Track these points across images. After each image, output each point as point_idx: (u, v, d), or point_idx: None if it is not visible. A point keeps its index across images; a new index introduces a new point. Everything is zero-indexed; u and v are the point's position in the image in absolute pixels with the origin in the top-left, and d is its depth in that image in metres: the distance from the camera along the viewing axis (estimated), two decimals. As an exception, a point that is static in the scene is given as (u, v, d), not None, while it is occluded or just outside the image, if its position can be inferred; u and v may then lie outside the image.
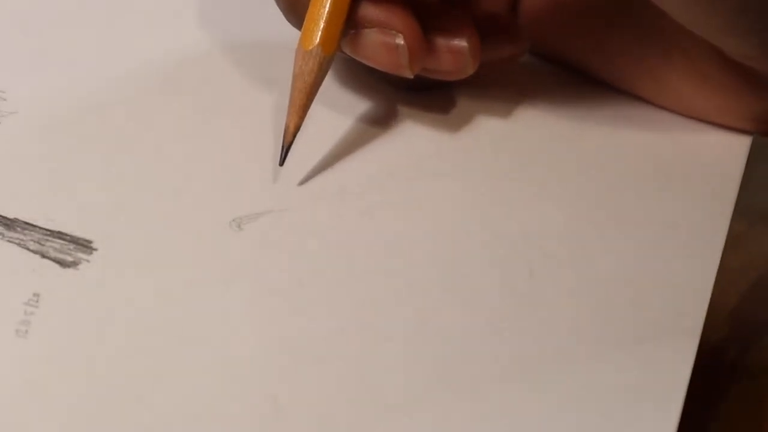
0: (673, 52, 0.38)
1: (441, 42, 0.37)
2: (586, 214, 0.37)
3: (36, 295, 0.34)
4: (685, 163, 0.39)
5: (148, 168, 0.37)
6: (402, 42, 0.36)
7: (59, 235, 0.35)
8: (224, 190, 0.37)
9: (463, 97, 0.40)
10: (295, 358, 0.33)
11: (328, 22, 0.36)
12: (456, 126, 0.39)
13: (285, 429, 0.32)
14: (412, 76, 0.37)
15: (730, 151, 0.39)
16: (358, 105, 0.39)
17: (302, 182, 0.37)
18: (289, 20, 0.38)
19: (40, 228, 0.35)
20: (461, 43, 0.37)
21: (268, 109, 0.39)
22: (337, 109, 0.39)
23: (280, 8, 0.38)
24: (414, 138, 0.39)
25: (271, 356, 0.33)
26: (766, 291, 0.46)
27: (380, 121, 0.39)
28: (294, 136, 0.37)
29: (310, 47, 0.36)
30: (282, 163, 0.37)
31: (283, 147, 0.37)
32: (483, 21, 0.39)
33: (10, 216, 0.35)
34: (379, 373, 0.33)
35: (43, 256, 0.35)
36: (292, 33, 0.37)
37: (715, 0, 0.34)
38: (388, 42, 0.36)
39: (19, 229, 0.35)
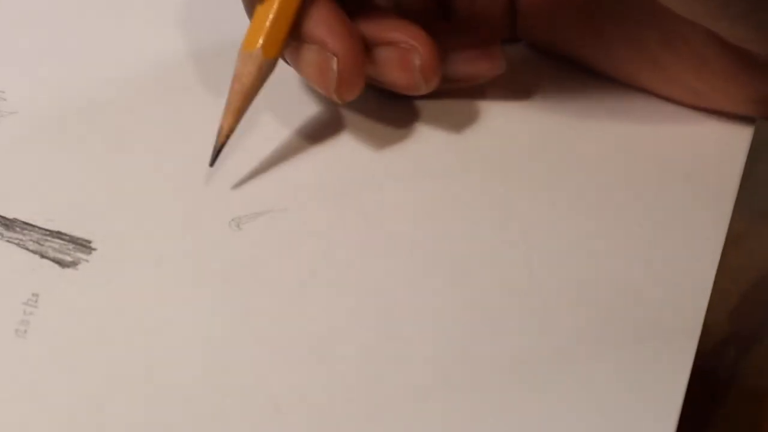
0: (672, 38, 0.38)
1: (390, 56, 0.37)
2: (585, 213, 0.37)
3: (35, 295, 0.34)
4: (684, 162, 0.39)
5: (148, 168, 0.37)
6: (335, 67, 0.36)
7: (58, 235, 0.35)
8: (225, 190, 0.37)
9: (460, 95, 0.40)
10: (294, 358, 0.33)
11: (271, 27, 0.36)
12: (455, 125, 0.39)
13: (285, 428, 0.32)
14: (340, 103, 0.37)
15: (730, 150, 0.39)
16: (358, 106, 0.39)
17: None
18: (249, 18, 0.37)
19: (40, 228, 0.35)
20: (411, 58, 0.36)
21: (271, 109, 0.39)
22: (333, 111, 0.39)
23: (243, 5, 0.37)
24: (413, 138, 0.39)
25: (271, 356, 0.33)
26: (766, 291, 0.46)
27: (379, 123, 0.39)
28: (227, 137, 0.37)
29: (251, 50, 0.36)
30: (212, 164, 0.37)
31: (215, 148, 0.37)
32: (462, 34, 0.39)
33: (9, 216, 0.35)
34: (379, 374, 0.33)
35: (43, 256, 0.35)
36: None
37: None
38: (321, 63, 0.36)
39: (18, 229, 0.35)
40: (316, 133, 0.38)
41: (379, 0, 0.38)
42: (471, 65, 0.39)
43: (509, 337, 0.34)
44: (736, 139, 0.40)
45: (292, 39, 0.36)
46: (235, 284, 0.35)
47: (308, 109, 0.39)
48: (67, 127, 0.38)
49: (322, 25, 0.36)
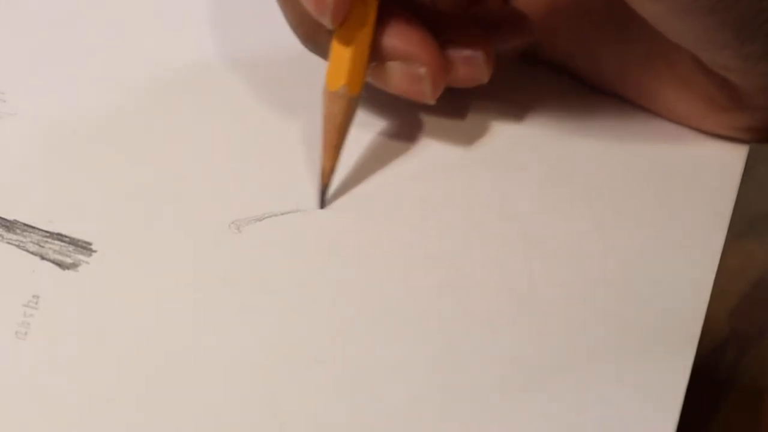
0: (655, 57, 0.38)
1: (456, 55, 0.37)
2: (585, 214, 0.37)
3: (35, 296, 0.34)
4: (684, 163, 0.39)
5: (148, 170, 0.37)
6: (424, 73, 0.36)
7: (59, 236, 0.35)
8: (224, 193, 0.37)
9: (462, 100, 0.40)
10: (294, 361, 0.33)
11: (352, 62, 0.36)
12: (455, 129, 0.39)
13: (284, 430, 0.32)
14: (433, 103, 0.37)
15: (730, 151, 0.39)
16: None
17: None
18: (307, 48, 0.37)
19: (40, 230, 0.35)
20: (476, 53, 0.37)
21: (270, 111, 0.39)
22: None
23: (297, 36, 0.37)
24: (411, 142, 0.39)
25: (271, 358, 0.33)
26: (766, 291, 0.46)
27: (378, 126, 0.39)
28: (330, 177, 0.37)
29: (337, 89, 0.36)
30: (323, 206, 0.37)
31: (320, 189, 0.37)
32: (492, 14, 0.39)
33: (10, 218, 0.35)
34: (379, 375, 0.33)
35: (43, 257, 0.35)
36: (294, 38, 0.37)
37: (693, 15, 0.34)
38: (411, 73, 0.36)
39: (18, 230, 0.35)
40: (315, 135, 0.38)
41: None
42: (507, 41, 0.39)
43: (508, 338, 0.34)
44: (736, 142, 0.40)
45: (371, 60, 0.36)
46: (236, 287, 0.34)
47: (307, 111, 0.39)
48: (67, 128, 0.38)
49: (401, 39, 0.36)
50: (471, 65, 0.37)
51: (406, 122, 0.39)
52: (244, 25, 0.41)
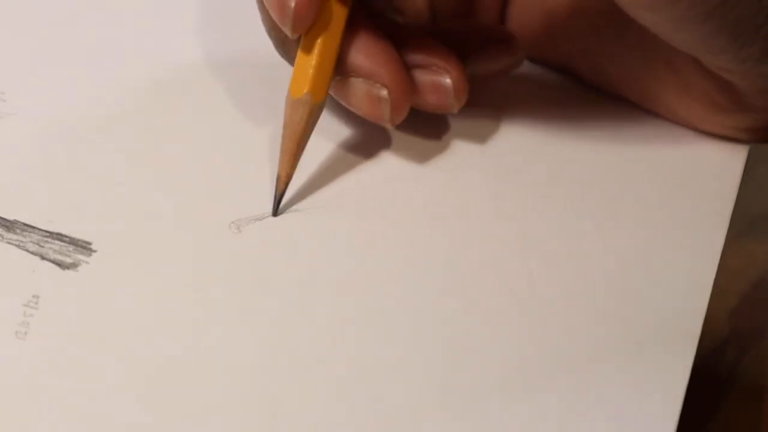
0: (655, 60, 0.38)
1: (424, 79, 0.37)
2: (585, 214, 0.37)
3: (35, 296, 0.34)
4: (684, 163, 0.39)
5: (148, 170, 0.37)
6: (385, 95, 0.36)
7: (58, 236, 0.35)
8: (224, 193, 0.37)
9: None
10: (293, 361, 0.33)
11: (316, 69, 0.35)
12: (455, 129, 0.39)
13: (284, 430, 0.32)
14: (392, 128, 0.37)
15: (730, 151, 0.39)
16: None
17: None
18: (279, 53, 0.37)
19: (40, 229, 0.35)
20: (445, 81, 0.37)
21: (270, 111, 0.39)
22: (333, 116, 0.39)
23: (270, 40, 0.37)
24: (411, 141, 0.39)
25: (270, 358, 0.33)
26: (766, 291, 0.46)
27: (378, 127, 0.39)
28: (286, 184, 0.36)
29: (299, 96, 0.36)
30: (275, 213, 0.36)
31: (275, 196, 0.36)
32: (480, 33, 0.39)
33: (10, 218, 0.35)
34: (379, 375, 0.33)
35: (43, 257, 0.35)
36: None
37: (690, 23, 0.34)
38: (372, 93, 0.36)
39: (18, 230, 0.35)
40: (316, 136, 0.38)
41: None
42: (493, 61, 0.39)
43: (508, 337, 0.34)
44: (736, 142, 0.40)
45: (336, 74, 0.36)
46: (235, 286, 0.35)
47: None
48: (67, 128, 0.38)
49: (366, 56, 0.36)
50: (438, 93, 0.37)
51: (404, 126, 0.39)
52: (243, 25, 0.41)
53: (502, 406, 0.32)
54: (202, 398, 0.32)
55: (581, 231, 0.37)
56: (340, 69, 0.36)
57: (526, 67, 0.41)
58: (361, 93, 0.36)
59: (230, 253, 0.35)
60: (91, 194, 0.36)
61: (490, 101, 0.40)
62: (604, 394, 0.33)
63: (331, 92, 0.37)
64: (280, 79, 0.39)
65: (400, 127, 0.39)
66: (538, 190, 0.38)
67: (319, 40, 0.35)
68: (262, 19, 0.37)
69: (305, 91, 0.36)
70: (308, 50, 0.36)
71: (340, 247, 0.36)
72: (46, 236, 0.35)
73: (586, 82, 0.40)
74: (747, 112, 0.38)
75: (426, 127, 0.39)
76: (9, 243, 0.35)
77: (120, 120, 0.39)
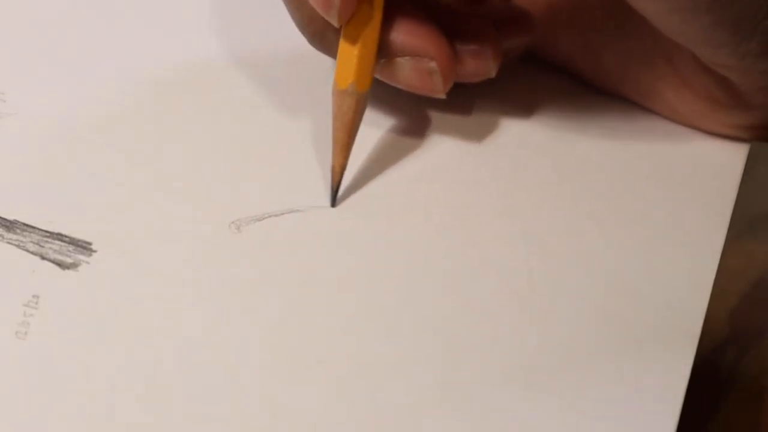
0: (655, 56, 0.39)
1: (464, 48, 0.37)
2: (585, 213, 0.37)
3: (35, 296, 0.34)
4: (684, 162, 0.39)
5: (148, 170, 0.37)
6: (435, 66, 0.36)
7: (59, 236, 0.35)
8: (224, 193, 0.37)
9: (463, 100, 0.40)
10: (293, 360, 0.33)
11: (360, 60, 0.36)
12: (455, 129, 0.39)
13: (283, 430, 0.32)
14: (444, 97, 0.37)
15: (730, 151, 0.39)
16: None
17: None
18: (315, 47, 0.38)
19: (40, 229, 0.35)
20: (484, 47, 0.37)
21: (270, 111, 0.39)
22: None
23: (305, 36, 0.37)
24: (411, 140, 0.39)
25: (270, 358, 0.33)
26: (766, 291, 0.46)
27: (379, 127, 0.39)
28: (341, 175, 0.37)
29: (346, 87, 0.36)
30: (333, 204, 0.37)
31: (332, 188, 0.37)
32: (495, 11, 0.39)
33: (10, 218, 0.35)
34: (379, 375, 0.33)
35: (43, 257, 0.35)
36: (297, 38, 0.37)
37: (690, 13, 0.34)
38: (421, 68, 0.37)
39: (18, 230, 0.35)
40: (316, 134, 0.38)
41: None
42: (515, 37, 0.39)
43: (508, 337, 0.34)
44: (736, 141, 0.40)
45: (380, 57, 0.36)
46: (235, 286, 0.35)
47: (308, 111, 0.39)
48: (67, 128, 0.38)
49: (408, 35, 0.36)
50: (479, 59, 0.37)
51: (405, 122, 0.39)
52: (243, 25, 0.41)
53: (502, 404, 0.32)
54: (202, 398, 0.32)
55: (581, 230, 0.37)
56: (384, 52, 0.37)
57: (527, 67, 0.41)
58: (409, 70, 0.37)
59: (230, 253, 0.35)
60: (91, 194, 0.36)
61: (491, 100, 0.40)
62: (604, 393, 0.33)
63: (378, 75, 0.37)
64: (280, 79, 0.39)
65: (399, 126, 0.39)
66: (537, 189, 0.38)
67: (360, 29, 0.36)
68: (293, 16, 0.37)
69: (351, 81, 0.36)
70: (351, 40, 0.36)
71: (339, 246, 0.36)
72: (46, 236, 0.35)
73: (587, 81, 0.41)
74: (747, 110, 0.38)
75: (426, 126, 0.39)
76: (9, 243, 0.35)
77: (120, 120, 0.39)
